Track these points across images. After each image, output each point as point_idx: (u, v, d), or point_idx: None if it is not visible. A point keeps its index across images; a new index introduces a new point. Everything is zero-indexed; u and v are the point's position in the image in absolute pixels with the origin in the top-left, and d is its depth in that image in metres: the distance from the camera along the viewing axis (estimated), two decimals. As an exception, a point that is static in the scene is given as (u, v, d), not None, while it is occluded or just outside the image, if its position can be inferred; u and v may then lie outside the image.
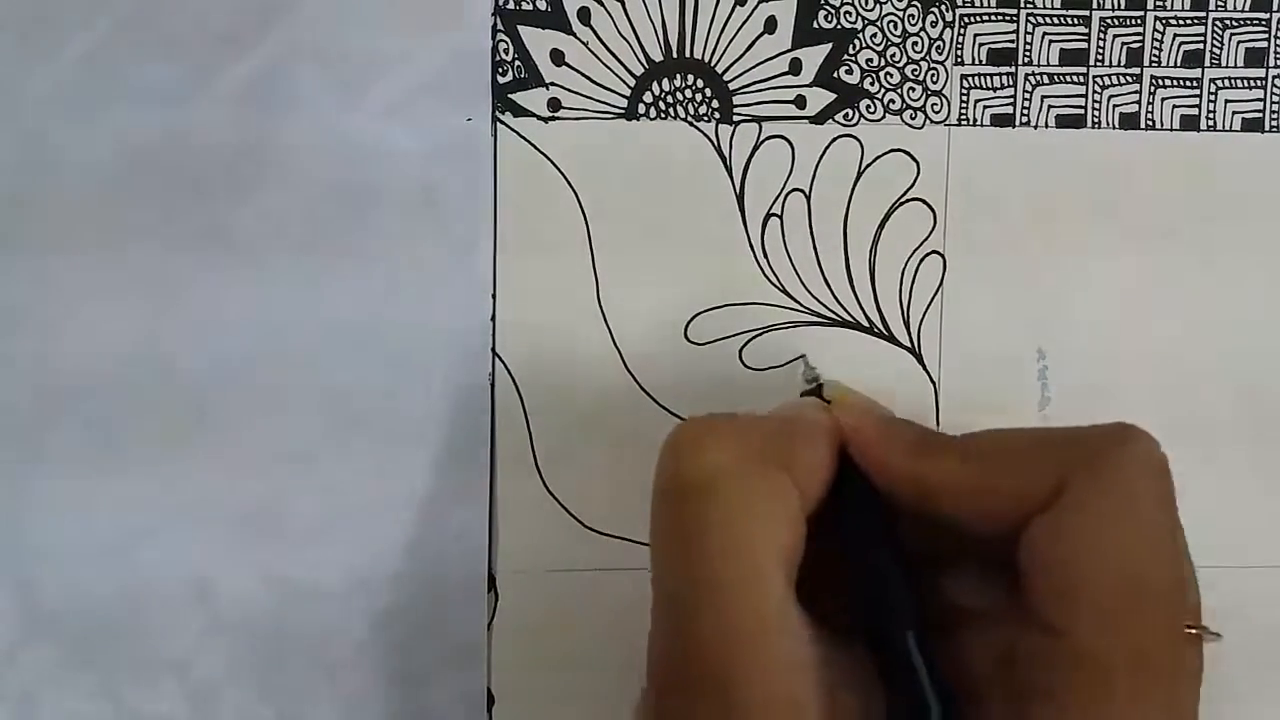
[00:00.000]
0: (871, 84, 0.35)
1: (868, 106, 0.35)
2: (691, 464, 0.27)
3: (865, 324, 0.36)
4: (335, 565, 0.34)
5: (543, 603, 0.35)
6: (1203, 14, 0.36)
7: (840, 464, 0.29)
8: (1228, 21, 0.36)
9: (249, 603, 0.34)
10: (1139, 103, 0.36)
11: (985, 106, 0.35)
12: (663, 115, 0.35)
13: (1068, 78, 0.36)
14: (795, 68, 0.35)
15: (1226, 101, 0.36)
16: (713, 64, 0.35)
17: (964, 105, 0.35)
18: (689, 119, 0.35)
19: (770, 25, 0.35)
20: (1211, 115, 0.36)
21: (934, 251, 0.36)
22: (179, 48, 0.33)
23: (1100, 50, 0.36)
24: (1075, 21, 0.35)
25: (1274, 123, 0.36)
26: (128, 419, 0.34)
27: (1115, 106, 0.36)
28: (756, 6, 0.35)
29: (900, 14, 0.35)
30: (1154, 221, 0.36)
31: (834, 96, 0.35)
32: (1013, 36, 0.35)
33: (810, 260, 0.35)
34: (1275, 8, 0.36)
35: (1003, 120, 0.36)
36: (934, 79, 0.35)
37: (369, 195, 0.34)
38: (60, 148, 0.33)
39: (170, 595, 0.34)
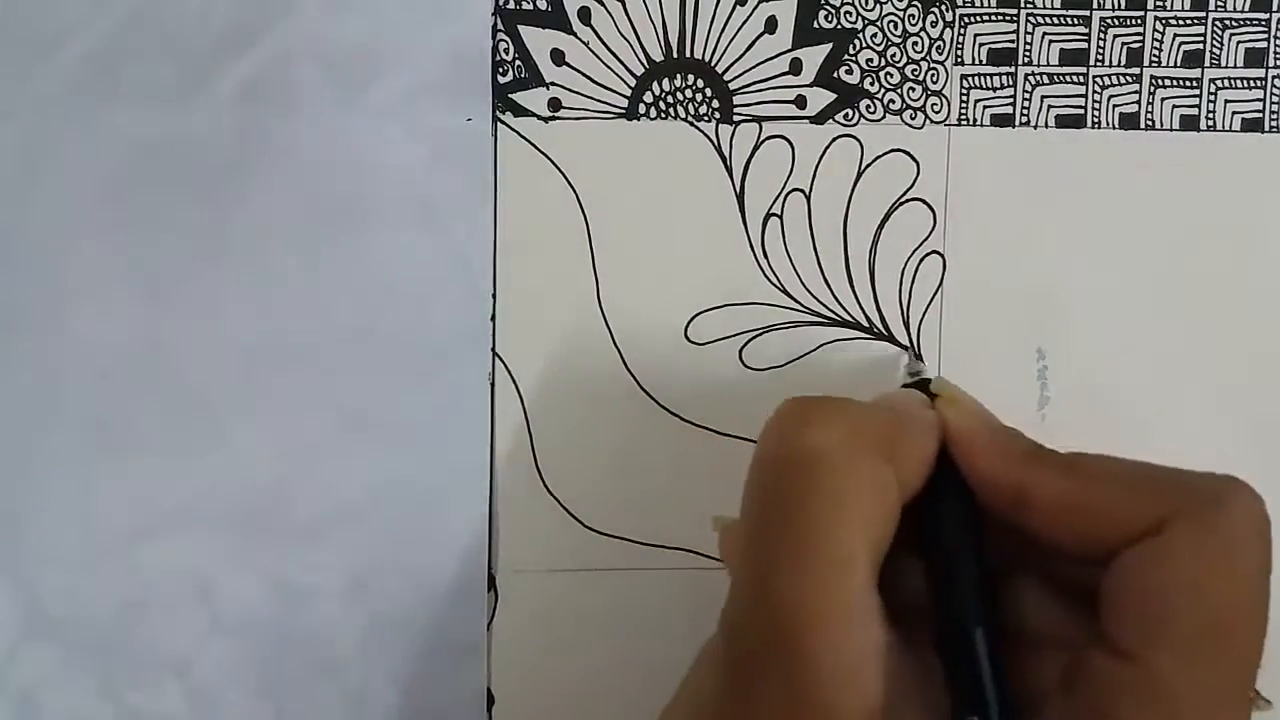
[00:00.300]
0: (871, 84, 0.35)
1: (868, 106, 0.35)
2: (800, 438, 0.27)
3: (865, 324, 0.36)
4: (335, 565, 0.34)
5: (543, 603, 0.35)
6: (1203, 14, 0.36)
7: (938, 460, 0.29)
8: (1228, 21, 0.36)
9: (249, 603, 0.34)
10: (1139, 103, 0.36)
11: (985, 106, 0.36)
12: (663, 115, 0.35)
13: (1068, 78, 0.36)
14: (795, 68, 0.35)
15: (1226, 102, 0.36)
16: (713, 64, 0.35)
17: (964, 105, 0.35)
18: (689, 119, 0.35)
19: (770, 25, 0.35)
20: (1211, 115, 0.36)
21: (934, 251, 0.36)
22: (179, 48, 0.33)
23: (1100, 50, 0.36)
24: (1075, 21, 0.35)
25: (1274, 123, 0.36)
26: (128, 419, 0.34)
27: (1115, 107, 0.36)
28: (757, 6, 0.35)
29: (900, 14, 0.35)
30: (1153, 221, 0.36)
31: (834, 96, 0.35)
32: (1013, 36, 0.35)
33: (810, 260, 0.35)
34: (1275, 8, 0.36)
35: (1003, 120, 0.36)
36: (934, 79, 0.35)
37: (369, 195, 0.34)
38: (60, 148, 0.33)
39: (170, 595, 0.34)
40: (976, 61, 0.35)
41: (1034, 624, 0.29)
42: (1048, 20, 0.35)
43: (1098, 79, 0.36)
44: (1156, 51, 0.36)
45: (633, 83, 0.35)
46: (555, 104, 0.35)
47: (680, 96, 0.35)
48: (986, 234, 0.36)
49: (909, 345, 0.35)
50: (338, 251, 0.34)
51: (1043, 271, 0.36)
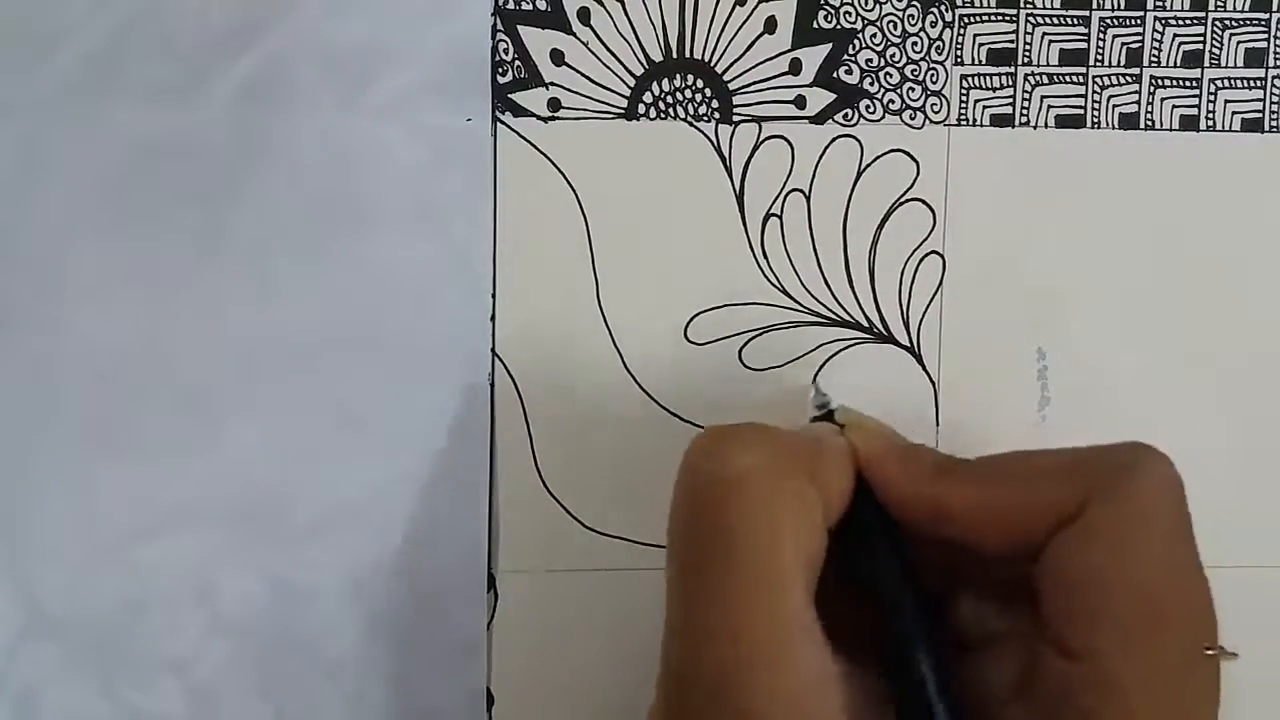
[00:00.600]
0: (871, 84, 0.35)
1: (867, 106, 0.35)
2: (723, 462, 0.27)
3: (865, 324, 0.36)
4: (335, 565, 0.34)
5: (543, 603, 0.35)
6: (1202, 14, 0.36)
7: (856, 490, 0.29)
8: (1227, 22, 0.36)
9: (249, 603, 0.34)
10: (1139, 103, 0.36)
11: (985, 106, 0.36)
12: (663, 115, 0.35)
13: (1067, 78, 0.36)
14: (795, 68, 0.35)
15: (1226, 102, 0.36)
16: (713, 64, 0.35)
17: (964, 105, 0.35)
18: (689, 119, 0.35)
19: (770, 25, 0.35)
20: (1211, 115, 0.36)
21: (934, 251, 0.36)
22: (179, 47, 0.33)
23: (1100, 50, 0.36)
24: (1075, 21, 0.35)
25: (1274, 123, 0.36)
26: (127, 419, 0.34)
27: (1115, 106, 0.36)
28: (756, 6, 0.35)
29: (900, 14, 0.35)
30: (1153, 222, 0.36)
31: (834, 96, 0.35)
32: (1012, 36, 0.35)
33: (810, 260, 0.35)
34: (1275, 8, 0.36)
35: (1002, 120, 0.36)
36: (934, 79, 0.35)
37: (369, 195, 0.34)
38: (60, 148, 0.33)
39: (170, 595, 0.34)
40: (976, 61, 0.35)
41: (982, 632, 0.29)
42: (1047, 20, 0.35)
43: (1097, 79, 0.36)
44: (1156, 51, 0.36)
45: (632, 83, 0.35)
46: (555, 104, 0.35)
47: (680, 97, 0.35)
48: (986, 234, 0.36)
49: (813, 380, 0.35)
50: (337, 251, 0.34)
51: (1043, 271, 0.36)
